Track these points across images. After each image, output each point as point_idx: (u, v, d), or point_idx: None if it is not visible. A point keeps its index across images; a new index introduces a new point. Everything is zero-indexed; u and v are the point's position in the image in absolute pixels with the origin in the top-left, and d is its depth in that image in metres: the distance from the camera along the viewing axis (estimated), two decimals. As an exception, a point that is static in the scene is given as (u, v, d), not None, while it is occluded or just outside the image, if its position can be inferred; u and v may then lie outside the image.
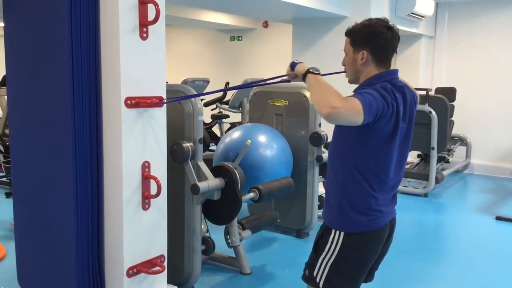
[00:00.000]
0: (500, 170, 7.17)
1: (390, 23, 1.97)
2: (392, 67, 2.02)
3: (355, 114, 1.73)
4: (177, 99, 2.83)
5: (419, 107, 5.63)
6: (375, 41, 1.94)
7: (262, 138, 3.84)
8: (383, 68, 1.98)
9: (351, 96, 1.80)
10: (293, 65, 2.04)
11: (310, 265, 2.08)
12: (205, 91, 6.07)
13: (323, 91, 1.78)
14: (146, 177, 2.38)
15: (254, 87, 4.45)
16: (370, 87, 1.89)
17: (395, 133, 1.91)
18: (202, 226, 3.22)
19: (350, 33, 2.01)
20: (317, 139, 4.09)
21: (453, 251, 4.36)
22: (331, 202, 2.04)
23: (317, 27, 5.78)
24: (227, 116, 7.46)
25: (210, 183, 3.02)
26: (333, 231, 2.00)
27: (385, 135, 1.89)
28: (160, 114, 2.44)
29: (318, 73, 1.90)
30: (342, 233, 1.98)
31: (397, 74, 2.01)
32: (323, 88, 1.80)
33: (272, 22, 8.93)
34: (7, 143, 5.34)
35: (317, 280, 2.03)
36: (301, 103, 4.16)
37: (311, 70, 1.92)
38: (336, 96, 1.73)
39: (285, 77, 2.14)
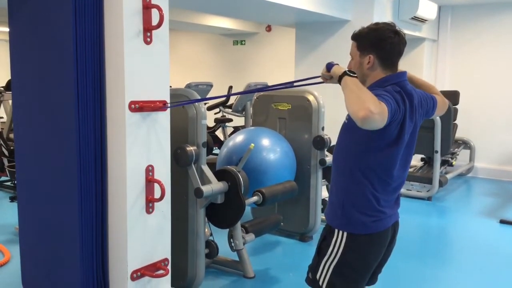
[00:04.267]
0: (504, 173, 7.16)
1: (396, 27, 1.97)
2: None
3: (383, 119, 1.70)
4: (181, 104, 2.84)
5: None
6: (381, 45, 1.94)
7: (265, 142, 3.84)
8: (390, 72, 1.98)
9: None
10: (329, 66, 1.98)
11: (313, 268, 2.08)
12: (209, 95, 6.10)
13: (361, 94, 1.71)
14: (150, 181, 2.39)
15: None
16: (381, 88, 1.89)
17: (402, 137, 1.91)
18: (206, 230, 3.23)
19: (356, 37, 2.01)
20: (320, 142, 4.10)
21: (456, 255, 4.35)
22: (335, 203, 2.04)
23: (320, 31, 5.79)
24: (231, 120, 7.47)
25: (214, 186, 3.02)
26: (336, 232, 2.01)
27: (392, 139, 1.90)
28: (164, 118, 2.45)
29: (356, 76, 1.85)
30: (345, 235, 1.98)
31: (405, 76, 2.01)
32: (361, 91, 1.73)
33: (275, 26, 8.94)
34: (12, 147, 5.36)
35: (320, 283, 2.03)
36: (304, 107, 4.16)
37: (348, 72, 1.86)
38: (374, 100, 1.67)
39: (318, 78, 2.12)
